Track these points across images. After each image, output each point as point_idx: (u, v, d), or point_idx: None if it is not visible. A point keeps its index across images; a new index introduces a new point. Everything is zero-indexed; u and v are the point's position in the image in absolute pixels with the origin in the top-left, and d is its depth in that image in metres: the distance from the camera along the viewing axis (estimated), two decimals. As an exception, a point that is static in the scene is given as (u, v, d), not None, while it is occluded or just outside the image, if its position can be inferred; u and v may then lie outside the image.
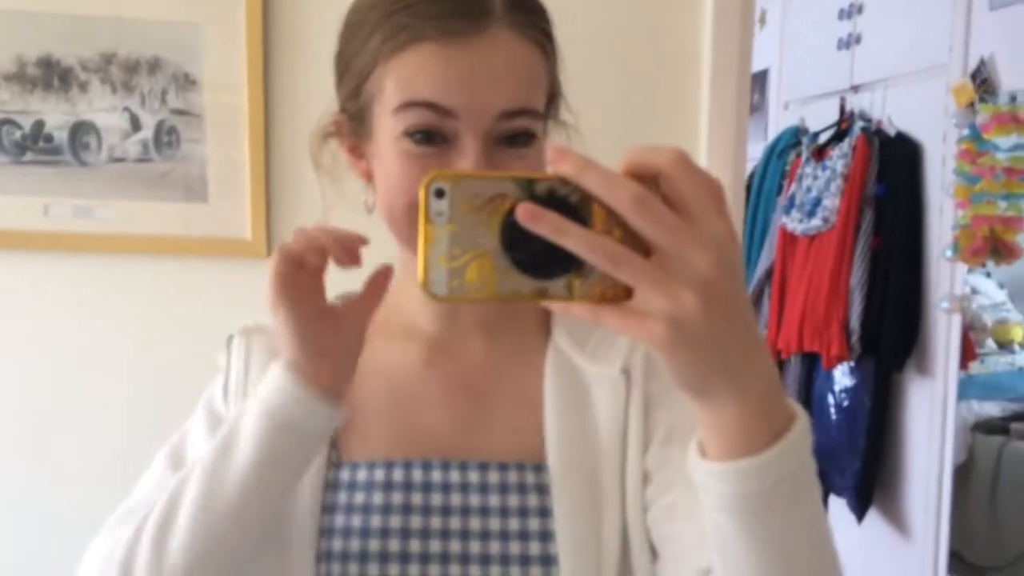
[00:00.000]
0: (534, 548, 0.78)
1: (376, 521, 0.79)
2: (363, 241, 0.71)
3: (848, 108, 2.94)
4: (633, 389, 0.82)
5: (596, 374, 0.83)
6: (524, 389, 0.83)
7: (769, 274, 3.08)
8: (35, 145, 1.53)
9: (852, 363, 2.71)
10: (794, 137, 3.14)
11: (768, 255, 3.09)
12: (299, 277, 0.70)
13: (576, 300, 0.50)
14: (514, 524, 0.79)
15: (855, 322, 2.64)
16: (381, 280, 0.76)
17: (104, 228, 1.56)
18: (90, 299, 1.63)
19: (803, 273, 2.84)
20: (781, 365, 3.09)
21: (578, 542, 0.78)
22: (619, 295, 0.50)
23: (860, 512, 2.77)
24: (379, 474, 0.80)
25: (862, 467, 2.73)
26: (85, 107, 1.52)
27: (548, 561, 0.78)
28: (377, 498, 0.79)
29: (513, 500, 0.80)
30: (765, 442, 0.53)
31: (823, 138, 2.94)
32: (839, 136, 2.85)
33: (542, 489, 0.80)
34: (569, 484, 0.79)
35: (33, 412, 1.67)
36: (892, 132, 2.71)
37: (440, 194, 0.49)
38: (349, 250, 0.70)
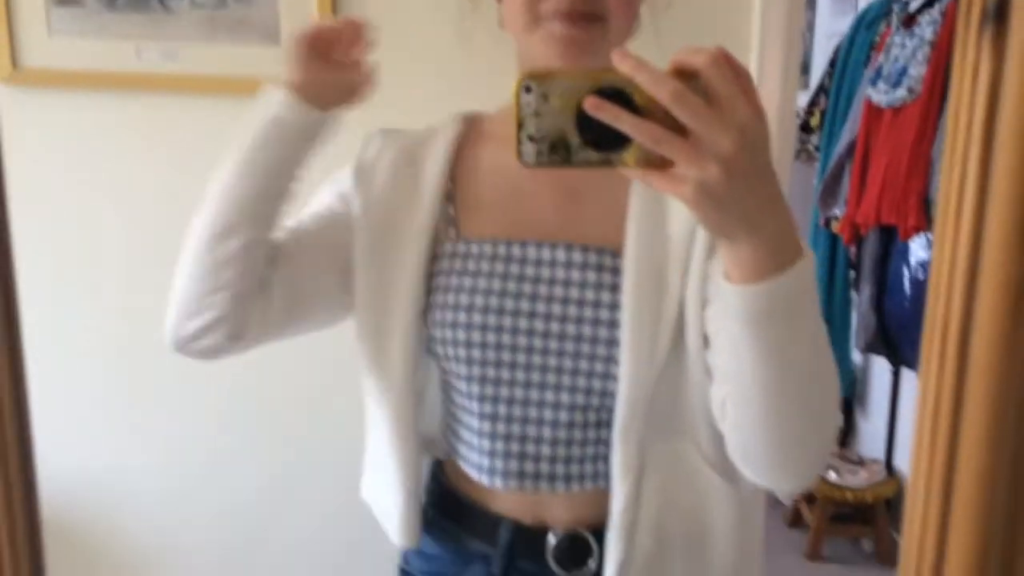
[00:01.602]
0: (604, 314, 0.94)
1: (482, 282, 0.97)
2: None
3: (942, -28, 2.82)
4: None
5: None
6: (614, 195, 0.98)
7: (851, 150, 3.04)
8: (126, -9, 1.67)
9: (929, 235, 2.68)
10: (885, 6, 3.04)
11: (851, 129, 3.04)
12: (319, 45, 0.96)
13: (631, 167, 0.67)
14: (589, 295, 0.95)
15: (934, 193, 2.60)
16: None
17: (189, 68, 1.69)
18: (176, 139, 1.78)
19: (885, 146, 2.78)
20: (859, 243, 3.06)
21: (640, 314, 0.92)
22: (663, 164, 0.66)
23: (930, 385, 2.78)
24: (487, 248, 0.98)
25: (934, 340, 2.72)
26: (167, -46, 1.64)
27: (614, 325, 0.94)
28: (485, 265, 0.98)
29: (591, 276, 0.95)
30: (771, 273, 0.71)
31: (914, 5, 2.83)
32: (930, 2, 2.74)
33: (616, 271, 0.95)
34: (639, 269, 0.93)
35: (128, 245, 1.84)
36: (987, -4, 2.60)
37: (528, 90, 0.66)
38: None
